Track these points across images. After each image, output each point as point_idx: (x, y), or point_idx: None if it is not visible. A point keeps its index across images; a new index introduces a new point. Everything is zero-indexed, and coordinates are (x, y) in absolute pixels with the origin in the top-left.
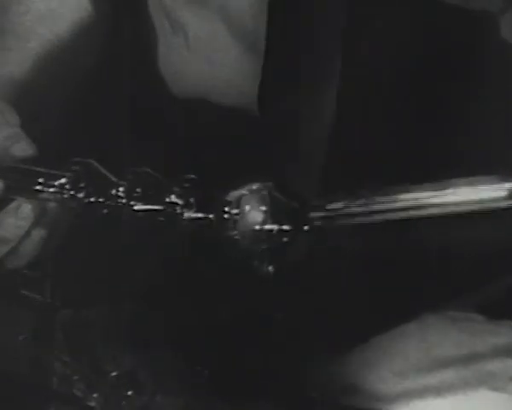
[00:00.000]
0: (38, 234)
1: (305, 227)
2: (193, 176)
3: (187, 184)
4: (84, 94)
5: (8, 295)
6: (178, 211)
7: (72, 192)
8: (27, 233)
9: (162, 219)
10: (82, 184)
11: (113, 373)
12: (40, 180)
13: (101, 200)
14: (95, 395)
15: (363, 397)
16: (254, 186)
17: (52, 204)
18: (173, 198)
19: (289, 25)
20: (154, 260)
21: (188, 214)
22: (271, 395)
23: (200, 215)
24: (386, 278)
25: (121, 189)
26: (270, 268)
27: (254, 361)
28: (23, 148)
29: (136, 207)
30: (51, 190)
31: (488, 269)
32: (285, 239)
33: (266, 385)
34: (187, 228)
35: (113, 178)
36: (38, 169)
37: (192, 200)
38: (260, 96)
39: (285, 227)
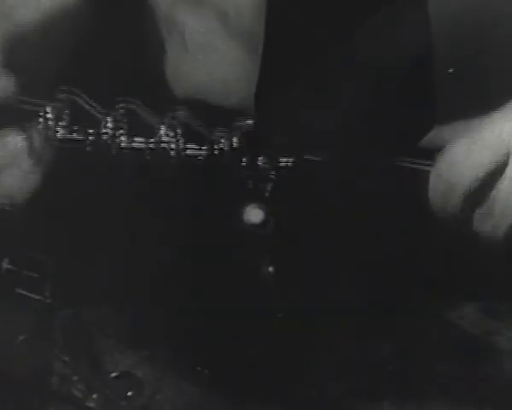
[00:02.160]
0: (21, 167)
1: None
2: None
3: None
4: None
5: (8, 295)
6: (166, 148)
7: (56, 124)
8: (10, 164)
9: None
10: (66, 116)
11: (113, 374)
12: (26, 111)
13: (86, 135)
14: (94, 396)
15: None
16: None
17: (37, 138)
18: (162, 133)
19: (288, 25)
20: (144, 199)
21: (175, 151)
22: (271, 395)
23: (188, 152)
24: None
25: (109, 125)
26: (271, 269)
27: (254, 361)
28: (3, 84)
29: (122, 145)
30: (36, 121)
31: None
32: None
33: (266, 385)
34: (176, 166)
35: (100, 112)
36: (24, 99)
37: (180, 137)
38: (257, 96)
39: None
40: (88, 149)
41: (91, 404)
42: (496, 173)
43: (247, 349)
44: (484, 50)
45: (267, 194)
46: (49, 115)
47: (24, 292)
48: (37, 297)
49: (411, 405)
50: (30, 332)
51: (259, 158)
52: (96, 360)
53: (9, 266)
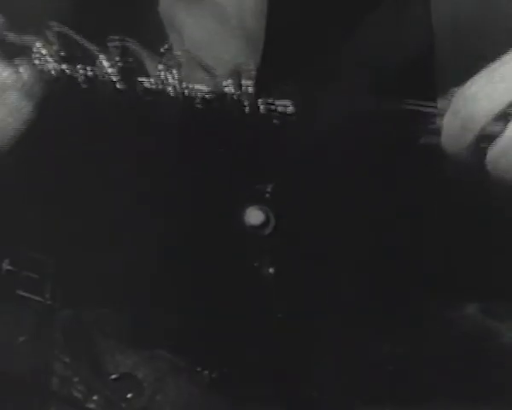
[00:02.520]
0: (10, 100)
1: None
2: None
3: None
4: None
5: (9, 296)
6: (164, 88)
7: (50, 60)
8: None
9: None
10: (59, 51)
11: (113, 375)
12: (18, 46)
13: (79, 72)
14: (94, 397)
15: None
16: None
17: (28, 72)
18: (162, 74)
19: (289, 22)
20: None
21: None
22: (271, 395)
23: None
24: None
25: (103, 63)
26: (271, 269)
27: (254, 361)
28: None
29: (119, 85)
30: (28, 56)
31: None
32: None
33: (266, 385)
34: (176, 109)
35: (95, 49)
36: (16, 35)
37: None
38: (257, 93)
39: None
40: (83, 85)
41: (92, 405)
42: None
43: (248, 349)
44: (484, 50)
45: (267, 195)
46: (41, 51)
47: (24, 293)
48: (38, 298)
49: (411, 405)
50: (30, 333)
51: (260, 101)
52: (97, 360)
53: (10, 268)
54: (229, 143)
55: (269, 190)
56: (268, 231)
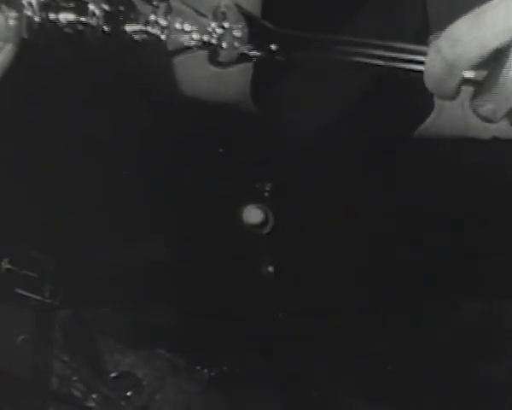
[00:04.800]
0: None
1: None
2: None
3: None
4: None
5: (8, 295)
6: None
7: (38, 10)
8: None
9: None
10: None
11: (113, 374)
12: None
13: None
14: (94, 396)
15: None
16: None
17: (16, 19)
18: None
19: (283, 16)
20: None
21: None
22: (271, 395)
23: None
24: None
25: (93, 9)
26: (271, 268)
27: (254, 361)
28: None
29: (106, 29)
30: (19, 6)
31: None
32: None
33: (266, 385)
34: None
35: None
36: None
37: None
38: (253, 88)
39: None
40: (68, 30)
41: (91, 404)
42: (500, 55)
43: (247, 349)
44: None
45: (266, 194)
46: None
47: (24, 292)
48: (37, 297)
49: (411, 405)
50: (30, 332)
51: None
52: (96, 359)
53: (9, 266)
54: (229, 141)
55: (268, 188)
56: (267, 229)
